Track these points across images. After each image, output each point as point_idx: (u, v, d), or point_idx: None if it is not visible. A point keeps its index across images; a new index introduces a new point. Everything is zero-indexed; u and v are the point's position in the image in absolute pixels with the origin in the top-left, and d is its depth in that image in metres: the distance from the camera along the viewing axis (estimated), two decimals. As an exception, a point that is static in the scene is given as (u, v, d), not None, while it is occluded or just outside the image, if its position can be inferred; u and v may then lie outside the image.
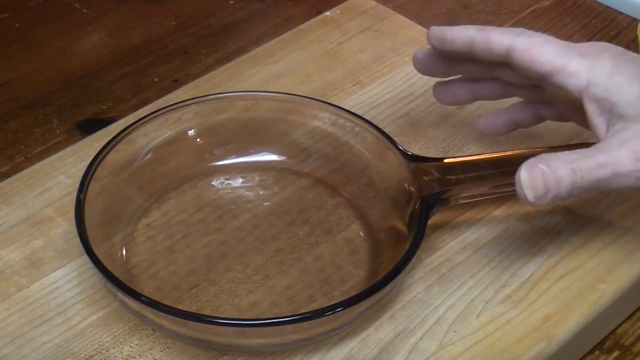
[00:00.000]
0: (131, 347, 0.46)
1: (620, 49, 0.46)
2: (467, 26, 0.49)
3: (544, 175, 0.43)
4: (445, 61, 0.52)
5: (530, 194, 0.43)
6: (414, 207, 0.48)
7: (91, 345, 0.46)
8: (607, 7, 0.74)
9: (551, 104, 0.51)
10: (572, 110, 0.49)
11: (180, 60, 0.69)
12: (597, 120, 0.45)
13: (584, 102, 0.45)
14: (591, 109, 0.45)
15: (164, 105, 0.54)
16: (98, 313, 0.47)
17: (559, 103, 0.50)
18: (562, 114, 0.51)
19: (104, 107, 0.65)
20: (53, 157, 0.57)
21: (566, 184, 0.43)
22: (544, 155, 0.43)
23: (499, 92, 0.53)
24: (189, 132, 0.55)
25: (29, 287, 0.49)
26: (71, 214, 0.48)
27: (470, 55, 0.49)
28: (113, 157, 0.51)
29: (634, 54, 0.46)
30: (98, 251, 0.45)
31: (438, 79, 0.54)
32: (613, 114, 0.45)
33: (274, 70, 0.63)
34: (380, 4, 0.70)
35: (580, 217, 0.52)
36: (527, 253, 0.50)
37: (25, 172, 0.56)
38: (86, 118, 0.64)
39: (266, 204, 0.54)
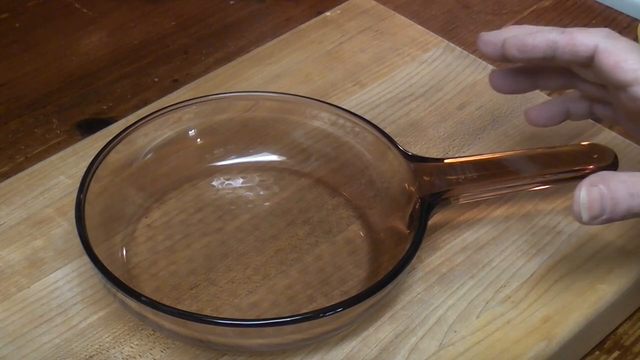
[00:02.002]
0: (131, 347, 0.46)
1: None
2: (546, 29, 0.47)
3: (602, 197, 0.42)
4: (527, 76, 0.50)
5: (585, 215, 0.42)
6: (414, 207, 0.48)
7: (91, 345, 0.46)
8: (607, 7, 0.74)
9: (611, 106, 0.50)
10: (633, 122, 0.48)
11: (180, 60, 0.69)
12: None
13: None
14: None
15: (164, 106, 0.54)
16: (98, 313, 0.48)
17: (624, 111, 0.48)
18: (617, 119, 0.50)
19: (104, 107, 0.65)
20: (53, 157, 0.57)
21: (621, 209, 0.42)
22: (605, 174, 0.42)
23: (562, 84, 0.51)
24: (189, 132, 0.55)
25: (29, 287, 0.49)
26: (71, 214, 0.48)
27: (550, 61, 0.47)
28: (113, 157, 0.51)
29: None
30: (98, 251, 0.45)
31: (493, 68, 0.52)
32: None
33: (274, 71, 0.63)
34: (380, 4, 0.70)
35: (581, 217, 0.52)
36: (527, 253, 0.50)
37: (26, 172, 0.56)
38: (86, 118, 0.64)
39: (266, 204, 0.54)
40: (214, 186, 0.55)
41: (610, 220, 0.42)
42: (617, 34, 0.45)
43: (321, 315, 0.43)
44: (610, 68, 0.44)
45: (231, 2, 0.75)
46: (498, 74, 0.52)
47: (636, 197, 0.42)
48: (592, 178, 0.42)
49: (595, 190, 0.42)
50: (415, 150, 0.55)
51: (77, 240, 0.46)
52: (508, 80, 0.51)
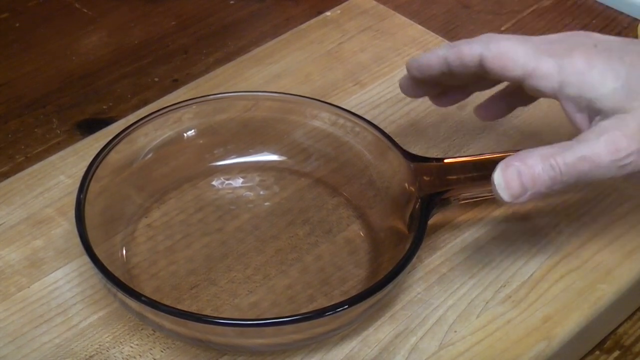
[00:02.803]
0: (131, 347, 0.46)
1: (593, 39, 0.45)
2: (439, 47, 0.49)
3: (520, 174, 0.42)
4: (460, 91, 0.52)
5: (505, 194, 0.42)
6: (414, 207, 0.48)
7: (91, 345, 0.46)
8: (607, 7, 0.74)
9: None
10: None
11: (180, 60, 0.69)
12: (577, 117, 0.45)
13: (560, 101, 0.45)
14: (569, 108, 0.45)
15: (164, 106, 0.54)
16: (98, 313, 0.48)
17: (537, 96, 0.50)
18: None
19: (104, 107, 0.65)
20: (53, 157, 0.57)
21: (544, 181, 0.42)
22: (521, 152, 0.43)
23: (489, 83, 0.52)
24: (190, 132, 0.55)
25: (29, 287, 0.49)
26: (71, 213, 0.48)
27: (451, 75, 0.48)
28: (113, 157, 0.51)
29: (607, 43, 0.45)
30: (98, 251, 0.45)
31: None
32: (591, 109, 0.44)
33: (274, 70, 0.63)
34: (380, 4, 0.70)
35: (580, 217, 0.52)
36: (527, 253, 0.50)
37: (26, 172, 0.56)
38: (86, 118, 0.64)
39: (266, 204, 0.54)
40: (214, 186, 0.55)
41: (538, 195, 0.42)
42: (499, 35, 0.47)
43: (321, 315, 0.43)
44: (499, 71, 0.46)
45: (231, 2, 0.75)
46: (478, 109, 0.53)
47: (555, 166, 0.42)
48: (507, 158, 0.43)
49: (511, 169, 0.42)
50: (415, 150, 0.55)
51: (77, 240, 0.45)
52: (489, 111, 0.53)
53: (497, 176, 0.43)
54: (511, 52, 0.45)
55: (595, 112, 0.44)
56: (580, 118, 0.45)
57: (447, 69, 0.48)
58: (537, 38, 0.46)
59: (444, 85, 0.52)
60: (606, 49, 0.44)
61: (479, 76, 0.48)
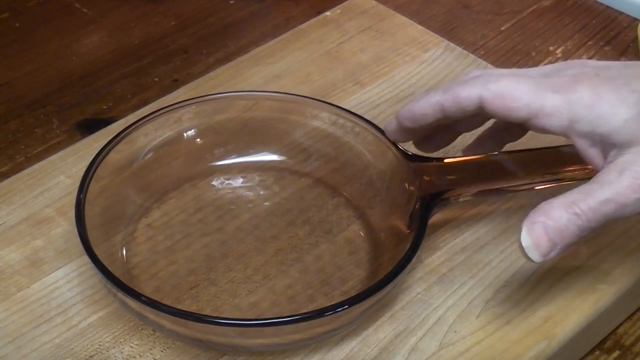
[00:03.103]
0: (131, 347, 0.46)
1: (592, 68, 0.43)
2: (430, 92, 0.46)
3: (547, 230, 0.40)
4: (446, 130, 0.50)
5: (535, 255, 0.41)
6: (414, 207, 0.48)
7: (91, 345, 0.46)
8: (607, 7, 0.74)
9: None
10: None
11: (180, 60, 0.69)
12: (590, 152, 0.43)
13: (572, 138, 0.43)
14: (581, 144, 0.43)
15: (164, 105, 0.54)
16: (98, 313, 0.48)
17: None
18: None
19: (104, 107, 0.65)
20: (53, 157, 0.57)
21: (572, 231, 0.40)
22: (543, 206, 0.41)
23: (480, 121, 0.50)
24: (189, 132, 0.55)
25: (29, 287, 0.49)
26: (71, 213, 0.48)
27: (445, 120, 0.46)
28: (113, 157, 0.51)
29: (607, 70, 0.43)
30: (98, 251, 0.45)
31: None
32: (605, 143, 0.42)
33: (274, 70, 0.63)
34: (380, 4, 0.70)
35: (581, 217, 0.52)
36: (527, 253, 0.50)
37: (26, 172, 0.56)
38: (86, 118, 0.64)
39: (266, 203, 0.54)
40: (214, 186, 0.55)
41: (568, 246, 0.41)
42: (494, 73, 0.45)
43: (321, 315, 0.43)
44: (503, 112, 0.43)
45: (231, 2, 0.75)
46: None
47: (581, 214, 0.40)
48: (530, 215, 0.41)
49: (537, 227, 0.41)
50: (415, 150, 0.55)
51: (77, 240, 0.45)
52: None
53: (524, 238, 0.41)
54: (513, 91, 0.43)
55: (609, 146, 0.42)
56: (594, 153, 0.43)
57: (443, 115, 0.46)
58: (532, 71, 0.44)
59: (432, 128, 0.49)
60: (609, 77, 0.42)
61: (474, 115, 0.46)
